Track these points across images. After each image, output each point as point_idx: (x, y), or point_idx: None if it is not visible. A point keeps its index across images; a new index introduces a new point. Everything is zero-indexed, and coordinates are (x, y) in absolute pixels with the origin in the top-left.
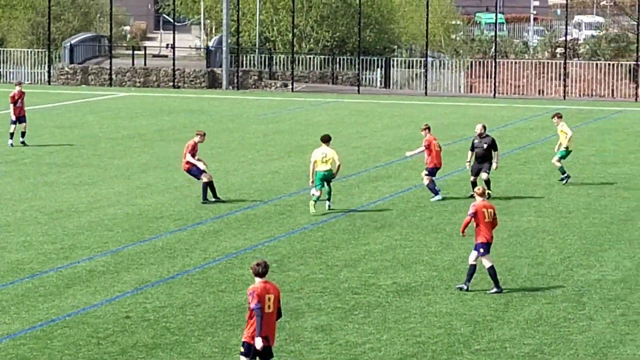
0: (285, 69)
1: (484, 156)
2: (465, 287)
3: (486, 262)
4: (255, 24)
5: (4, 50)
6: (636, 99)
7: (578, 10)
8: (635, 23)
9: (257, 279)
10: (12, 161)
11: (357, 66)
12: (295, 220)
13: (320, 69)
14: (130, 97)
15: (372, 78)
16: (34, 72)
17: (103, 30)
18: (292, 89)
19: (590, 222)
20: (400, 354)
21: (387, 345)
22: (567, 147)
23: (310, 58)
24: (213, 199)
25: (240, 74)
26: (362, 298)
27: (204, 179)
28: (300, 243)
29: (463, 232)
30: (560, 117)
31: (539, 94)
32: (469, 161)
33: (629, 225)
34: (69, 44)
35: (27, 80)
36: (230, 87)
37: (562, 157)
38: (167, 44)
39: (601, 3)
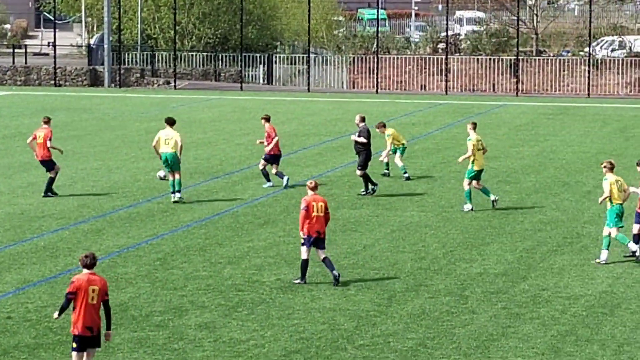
0: (168, 67)
1: (358, 149)
2: (302, 282)
3: (321, 254)
4: (137, 21)
5: None
6: (517, 94)
7: (459, 5)
8: (515, 18)
9: (84, 270)
10: None
11: (239, 63)
12: (178, 218)
13: (203, 66)
14: (11, 95)
15: (255, 75)
16: None
17: None
18: (175, 86)
19: (472, 216)
20: (284, 350)
21: (271, 342)
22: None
23: (192, 55)
24: (51, 194)
25: (122, 71)
26: (245, 295)
27: (53, 174)
28: (183, 241)
29: (302, 228)
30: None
31: (422, 89)
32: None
33: (510, 219)
34: None
35: None
36: (113, 85)
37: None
38: (48, 42)
39: None
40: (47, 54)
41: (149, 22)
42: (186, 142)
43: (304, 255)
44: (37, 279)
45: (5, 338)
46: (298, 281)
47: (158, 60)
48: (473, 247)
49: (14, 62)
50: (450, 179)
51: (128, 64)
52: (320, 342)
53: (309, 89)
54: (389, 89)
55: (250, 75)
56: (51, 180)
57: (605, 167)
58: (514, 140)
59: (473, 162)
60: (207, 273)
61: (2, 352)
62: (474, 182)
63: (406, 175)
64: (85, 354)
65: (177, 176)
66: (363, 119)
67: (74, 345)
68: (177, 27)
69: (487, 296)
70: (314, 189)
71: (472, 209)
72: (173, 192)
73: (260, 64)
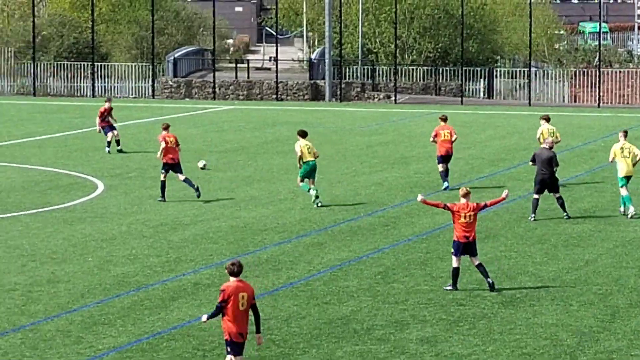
0: (388, 81)
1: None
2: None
3: (474, 261)
4: (357, 35)
5: (108, 65)
6: None
7: None
8: None
9: (232, 278)
10: (117, 175)
11: (460, 77)
12: (399, 232)
13: (423, 80)
14: (233, 110)
15: (475, 89)
16: (138, 86)
17: (206, 44)
18: (395, 100)
19: None
20: None
21: (492, 357)
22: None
23: (412, 69)
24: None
25: (343, 85)
26: (467, 309)
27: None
28: (404, 254)
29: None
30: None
31: None
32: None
33: None
34: (172, 57)
35: (132, 95)
36: (333, 99)
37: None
38: (270, 57)
39: None
40: (269, 69)
41: (369, 36)
42: (406, 156)
43: (454, 264)
44: (259, 291)
45: None
46: (450, 288)
47: (378, 74)
48: None
49: (236, 77)
50: None
51: (349, 78)
52: (542, 357)
53: (529, 102)
54: (611, 102)
55: (470, 90)
56: (186, 180)
57: None
58: None
59: None
60: (429, 287)
61: None
62: None
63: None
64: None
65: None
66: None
67: (228, 349)
68: (397, 42)
69: None
70: (465, 196)
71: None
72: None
73: (480, 77)
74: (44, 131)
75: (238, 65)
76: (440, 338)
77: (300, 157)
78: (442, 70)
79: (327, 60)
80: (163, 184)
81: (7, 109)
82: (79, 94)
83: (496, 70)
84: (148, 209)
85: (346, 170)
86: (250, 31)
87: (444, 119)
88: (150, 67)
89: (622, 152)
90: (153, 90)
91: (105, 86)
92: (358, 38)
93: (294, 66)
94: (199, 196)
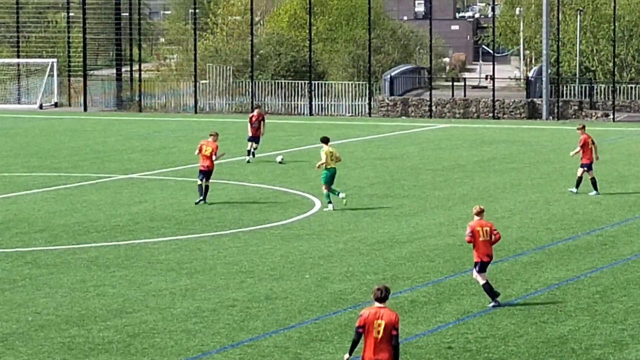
0: (606, 99)
1: None
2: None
3: (480, 280)
4: (575, 53)
5: (325, 83)
6: None
7: None
8: None
9: (376, 304)
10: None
11: None
12: (617, 251)
13: None
14: (450, 128)
15: None
16: (355, 105)
17: (423, 62)
18: (614, 118)
19: None
20: None
21: None
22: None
23: (631, 87)
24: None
25: (560, 104)
26: None
27: (209, 183)
28: (623, 274)
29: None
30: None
31: None
32: None
33: None
34: (389, 76)
35: (348, 113)
36: (551, 117)
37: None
38: (487, 75)
39: None
40: (486, 87)
41: (587, 54)
42: (625, 174)
43: (481, 282)
44: (476, 310)
45: None
46: (492, 304)
47: (596, 92)
48: None
49: (453, 95)
50: None
51: (566, 97)
52: None
53: None
54: None
55: None
56: (207, 189)
57: None
58: None
59: None
60: None
61: None
62: None
63: None
64: None
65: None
66: None
67: None
68: (615, 59)
69: None
70: (479, 214)
71: None
72: None
73: None
74: (261, 149)
75: (454, 83)
76: None
77: (324, 164)
78: None
79: (544, 79)
80: (199, 187)
81: (226, 126)
82: (296, 112)
83: None
84: (364, 226)
85: (563, 189)
86: (467, 49)
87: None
88: (367, 85)
89: None
90: (370, 109)
91: (322, 104)
92: (575, 56)
93: (510, 84)
94: (199, 202)
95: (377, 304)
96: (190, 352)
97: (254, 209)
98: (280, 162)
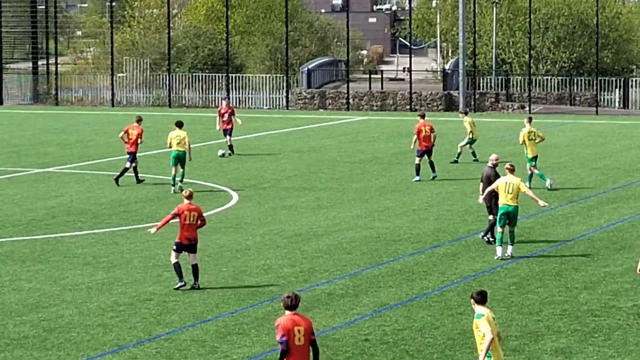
0: (522, 91)
1: None
2: None
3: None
4: (491, 46)
5: (242, 76)
6: None
7: None
8: None
9: (287, 312)
10: (251, 186)
11: (594, 87)
12: (533, 243)
13: (558, 90)
14: (367, 120)
15: (610, 99)
16: (272, 97)
17: (340, 55)
18: (529, 110)
19: None
20: None
21: None
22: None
23: (547, 79)
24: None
25: (476, 96)
26: (602, 320)
27: (129, 165)
28: (539, 265)
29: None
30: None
31: None
32: None
33: None
34: (306, 68)
35: (266, 106)
36: (467, 109)
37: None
38: (404, 68)
39: None
40: (403, 79)
41: (503, 46)
42: (541, 167)
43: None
44: (393, 302)
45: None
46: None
47: (513, 84)
48: None
49: (370, 88)
50: None
51: (482, 89)
52: None
53: None
54: None
55: (605, 100)
56: (125, 170)
57: None
58: None
59: None
60: (563, 298)
61: None
62: None
63: None
64: None
65: (180, 170)
66: None
67: None
68: (531, 52)
69: None
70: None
71: None
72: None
73: (616, 87)
74: None
75: (372, 76)
76: (575, 349)
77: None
78: (577, 80)
79: (460, 71)
80: (124, 170)
81: (144, 119)
82: (213, 105)
83: (632, 80)
84: (282, 219)
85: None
86: (384, 42)
87: (422, 116)
88: (285, 78)
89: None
90: (287, 101)
91: (239, 97)
92: (492, 48)
93: (427, 77)
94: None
95: (288, 312)
96: (106, 346)
97: (171, 202)
98: (221, 156)
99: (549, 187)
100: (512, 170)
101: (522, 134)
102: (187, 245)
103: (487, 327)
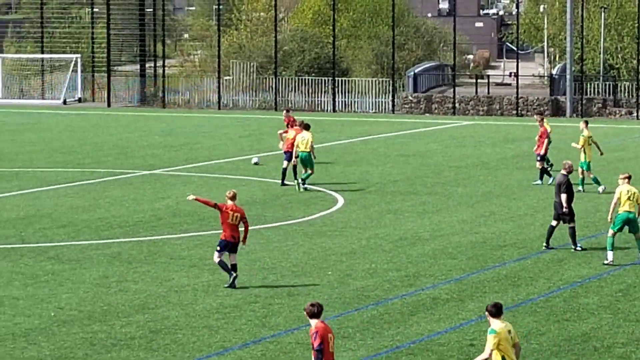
0: (630, 97)
1: None
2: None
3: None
4: (599, 51)
5: (348, 80)
6: None
7: None
8: None
9: (314, 320)
10: (357, 190)
11: None
12: None
13: None
14: (473, 125)
15: None
16: (378, 101)
17: (446, 59)
18: (637, 116)
19: None
20: None
21: None
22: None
23: None
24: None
25: (584, 101)
26: None
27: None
28: None
29: None
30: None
31: None
32: None
33: None
34: (412, 73)
35: (371, 110)
36: (574, 114)
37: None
38: (511, 72)
39: None
40: (509, 84)
41: (611, 51)
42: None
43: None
44: None
45: None
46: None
47: (620, 90)
48: None
49: (476, 93)
50: None
51: (590, 94)
52: None
53: None
54: None
55: None
56: (285, 170)
57: None
58: None
59: None
60: None
61: None
62: None
63: None
64: None
65: (309, 171)
66: None
67: None
68: (639, 57)
69: None
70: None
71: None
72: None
73: None
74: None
75: (478, 80)
76: None
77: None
78: None
79: (568, 76)
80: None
81: (249, 123)
82: (319, 109)
83: None
84: (387, 223)
85: (586, 186)
86: (491, 47)
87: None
88: (391, 82)
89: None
90: (393, 106)
91: (345, 101)
92: (599, 53)
93: (534, 82)
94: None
95: (315, 320)
96: (212, 348)
97: (277, 206)
98: (255, 164)
99: (600, 192)
100: (629, 179)
101: (582, 138)
102: (233, 244)
103: (491, 346)
